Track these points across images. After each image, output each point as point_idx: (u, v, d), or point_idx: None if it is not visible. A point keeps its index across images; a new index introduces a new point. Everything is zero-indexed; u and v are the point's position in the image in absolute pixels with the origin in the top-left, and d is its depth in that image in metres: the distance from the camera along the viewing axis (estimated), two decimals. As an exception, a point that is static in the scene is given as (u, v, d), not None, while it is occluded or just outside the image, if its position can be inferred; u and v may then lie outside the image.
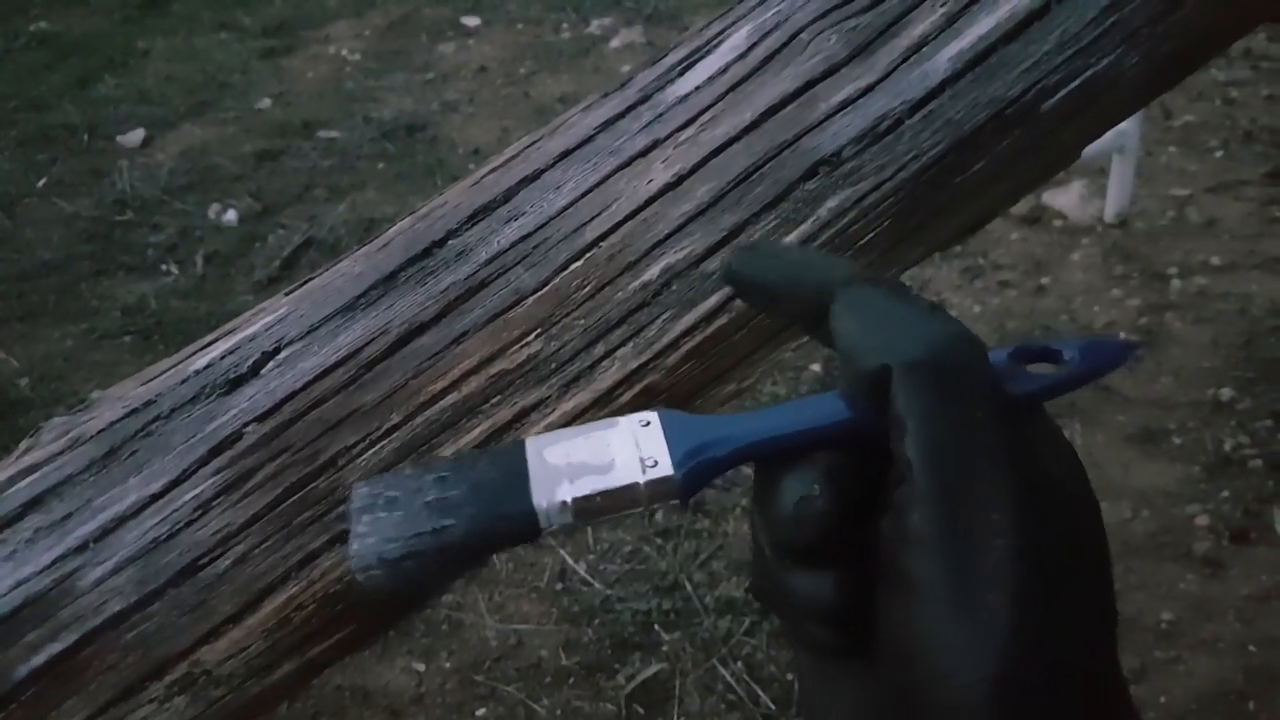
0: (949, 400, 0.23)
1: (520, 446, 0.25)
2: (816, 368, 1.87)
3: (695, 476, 0.24)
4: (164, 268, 2.32)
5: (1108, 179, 2.15)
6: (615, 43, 3.18)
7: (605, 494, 0.24)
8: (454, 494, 0.24)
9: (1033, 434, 0.25)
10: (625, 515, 0.25)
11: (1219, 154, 2.35)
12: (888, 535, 0.23)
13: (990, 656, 0.22)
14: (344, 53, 3.30)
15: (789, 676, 1.37)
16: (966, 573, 0.22)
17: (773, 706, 1.32)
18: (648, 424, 0.25)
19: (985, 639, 0.22)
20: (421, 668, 1.42)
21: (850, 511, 0.25)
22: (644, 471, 0.24)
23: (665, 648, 1.41)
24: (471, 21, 3.41)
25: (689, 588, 1.48)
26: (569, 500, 0.24)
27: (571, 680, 1.39)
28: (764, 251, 0.29)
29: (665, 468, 0.24)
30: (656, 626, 1.44)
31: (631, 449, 0.25)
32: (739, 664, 1.38)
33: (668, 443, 0.25)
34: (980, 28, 0.42)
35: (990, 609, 0.22)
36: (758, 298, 0.29)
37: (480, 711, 1.36)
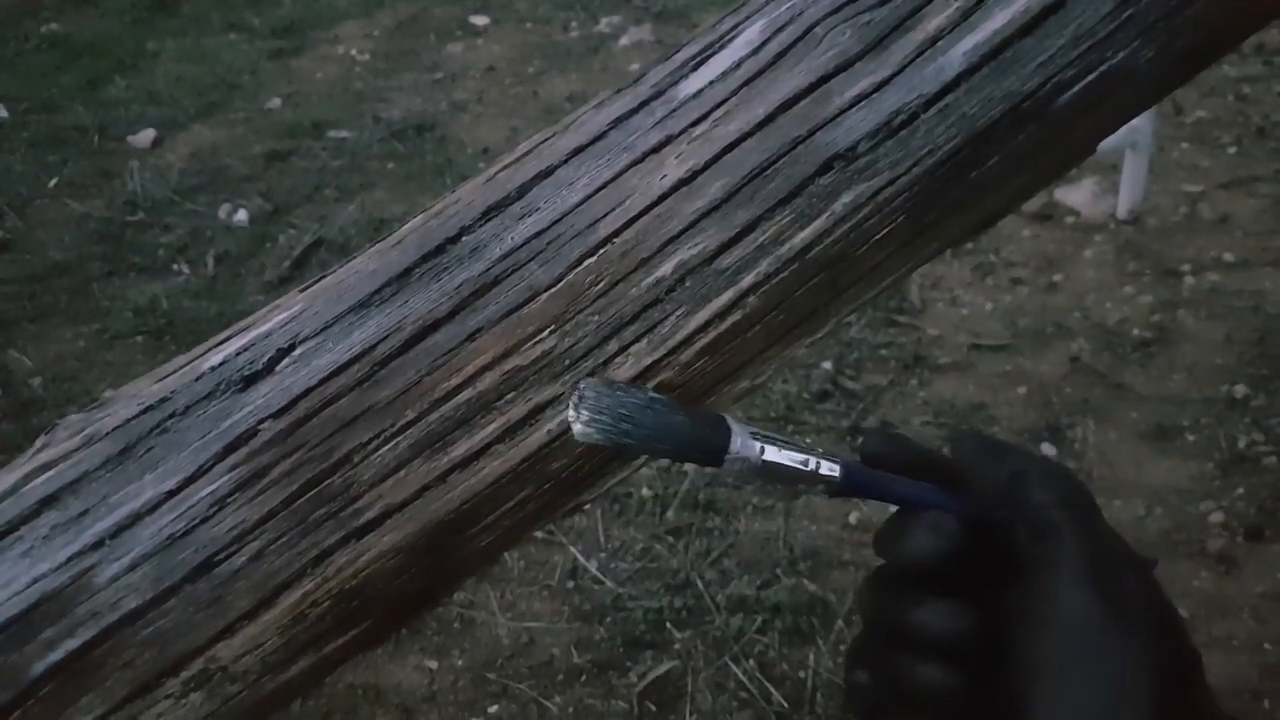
0: (1077, 507, 0.30)
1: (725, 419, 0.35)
2: (828, 365, 1.87)
3: (850, 481, 0.34)
4: (175, 268, 2.33)
5: (1120, 175, 2.14)
6: (624, 41, 3.18)
7: (788, 465, 0.34)
8: (670, 411, 0.35)
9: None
10: (789, 485, 0.36)
11: (1232, 150, 2.33)
12: (1027, 613, 0.29)
13: None
14: (353, 53, 3.31)
15: (800, 674, 1.36)
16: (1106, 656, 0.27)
17: (785, 704, 1.32)
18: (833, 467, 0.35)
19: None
20: (434, 665, 1.42)
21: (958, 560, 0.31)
22: (815, 465, 0.34)
23: (677, 645, 1.41)
24: (480, 21, 3.42)
25: (700, 585, 1.48)
26: (760, 455, 0.34)
27: (583, 678, 1.39)
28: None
29: (830, 470, 0.34)
30: (668, 624, 1.44)
31: (822, 454, 0.34)
32: (751, 662, 1.38)
33: (846, 464, 0.34)
34: (995, 22, 0.41)
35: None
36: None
37: (492, 709, 1.36)
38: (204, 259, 2.34)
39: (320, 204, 2.52)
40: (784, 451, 0.34)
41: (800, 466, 0.34)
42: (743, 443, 0.34)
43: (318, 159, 2.71)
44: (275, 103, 3.01)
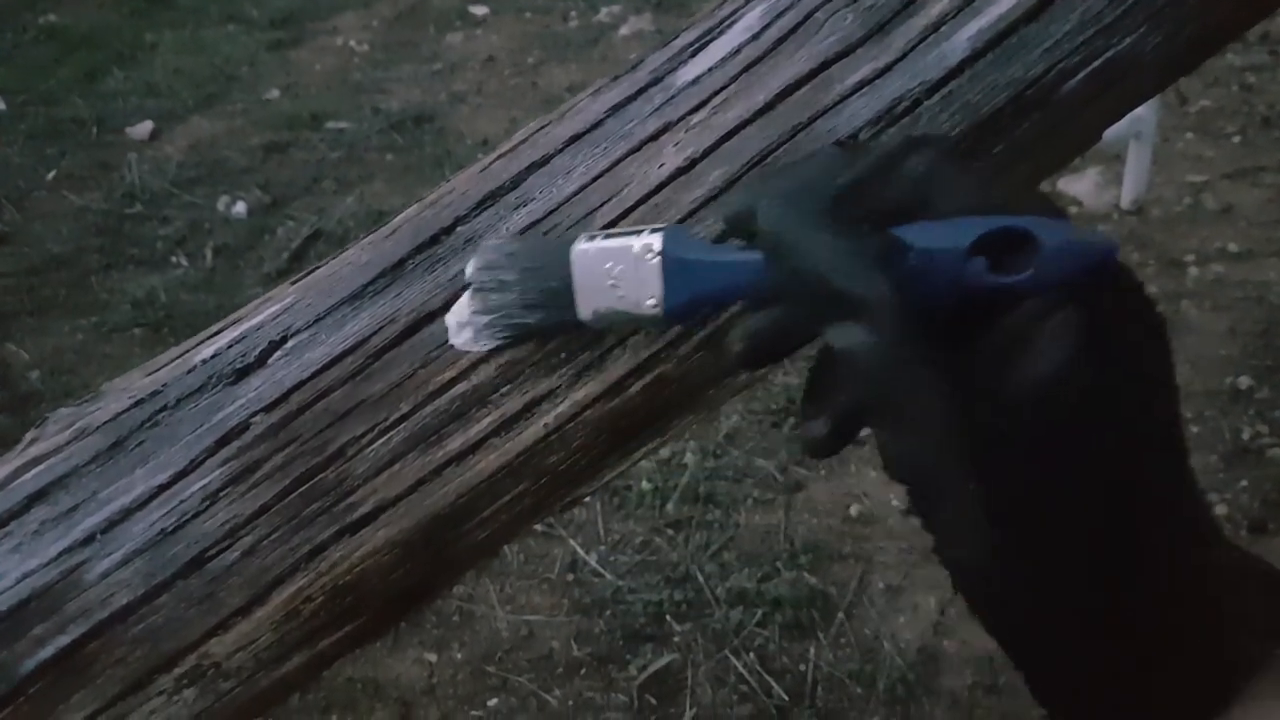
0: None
1: (568, 260, 0.35)
2: (828, 357, 1.86)
3: (678, 317, 0.34)
4: (173, 260, 2.32)
5: (1124, 166, 2.13)
6: (624, 31, 3.17)
7: (621, 314, 0.34)
8: (532, 297, 0.36)
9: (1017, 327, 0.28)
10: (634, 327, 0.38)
11: (1236, 140, 2.32)
12: None
13: None
14: (351, 44, 3.29)
15: (801, 667, 1.36)
16: None
17: (785, 698, 1.32)
18: (652, 258, 0.33)
19: None
20: (433, 659, 1.42)
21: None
22: (645, 306, 0.33)
23: (677, 639, 1.41)
24: (479, 11, 3.40)
25: (700, 578, 1.47)
26: (600, 313, 0.35)
27: (583, 671, 1.39)
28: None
29: (659, 308, 0.33)
30: (668, 617, 1.43)
31: (640, 282, 0.33)
32: (751, 655, 1.37)
33: (664, 284, 0.33)
34: (1000, 6, 0.41)
35: None
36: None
37: (492, 702, 1.36)
38: (202, 251, 2.34)
39: (319, 196, 2.51)
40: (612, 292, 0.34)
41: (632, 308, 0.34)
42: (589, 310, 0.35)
43: (316, 150, 2.70)
44: (274, 94, 3.00)
